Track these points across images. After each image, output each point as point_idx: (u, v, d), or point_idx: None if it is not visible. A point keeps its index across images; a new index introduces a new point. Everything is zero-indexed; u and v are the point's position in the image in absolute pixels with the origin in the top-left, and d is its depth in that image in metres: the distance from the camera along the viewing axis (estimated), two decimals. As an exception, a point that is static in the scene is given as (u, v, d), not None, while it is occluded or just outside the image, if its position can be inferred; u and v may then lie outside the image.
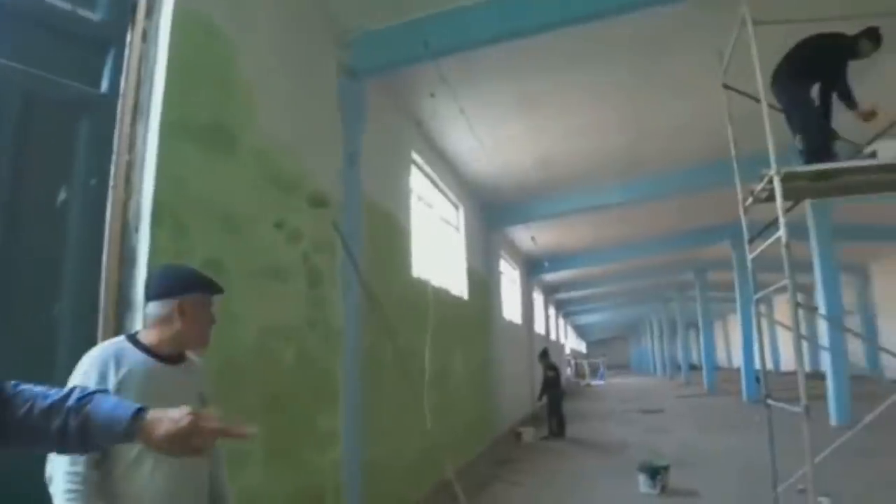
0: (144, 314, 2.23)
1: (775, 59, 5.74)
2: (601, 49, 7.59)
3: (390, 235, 7.64)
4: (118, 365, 2.01)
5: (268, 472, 4.23)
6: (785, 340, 32.67)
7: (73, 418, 1.37)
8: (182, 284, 2.22)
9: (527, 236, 16.35)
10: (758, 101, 5.23)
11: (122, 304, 3.19)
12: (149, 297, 2.22)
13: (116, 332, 2.97)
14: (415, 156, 9.11)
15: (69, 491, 1.86)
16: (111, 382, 1.96)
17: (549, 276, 23.91)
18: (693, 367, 37.14)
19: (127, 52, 3.43)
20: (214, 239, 3.93)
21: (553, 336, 29.75)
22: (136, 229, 3.29)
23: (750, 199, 5.76)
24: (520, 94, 8.68)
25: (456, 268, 11.56)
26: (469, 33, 6.28)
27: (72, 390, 1.44)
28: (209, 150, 3.94)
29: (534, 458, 11.42)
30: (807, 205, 12.11)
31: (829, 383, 12.80)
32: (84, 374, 1.98)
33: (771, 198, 5.12)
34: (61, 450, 1.50)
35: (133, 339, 2.16)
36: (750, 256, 6.11)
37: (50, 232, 2.99)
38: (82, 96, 3.18)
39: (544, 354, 15.45)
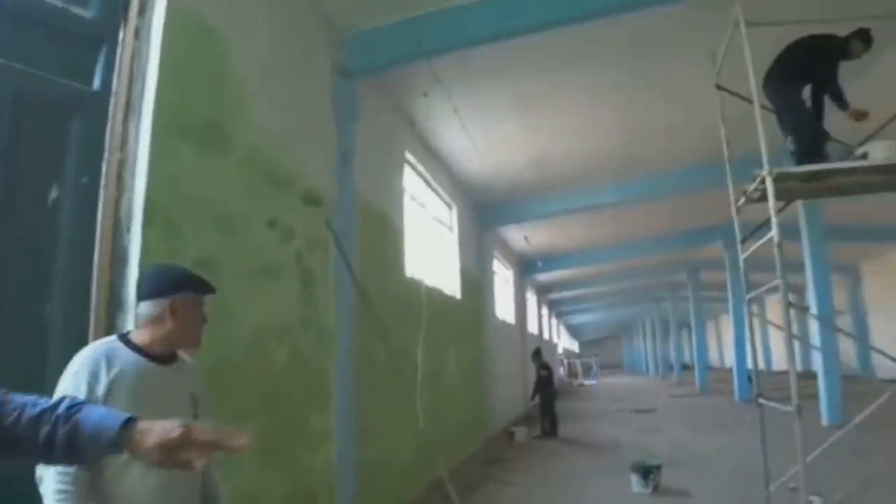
0: (136, 314, 2.22)
1: (768, 61, 5.75)
2: (596, 49, 7.60)
3: (383, 235, 7.63)
4: (109, 365, 1.99)
5: (261, 471, 4.22)
6: (777, 340, 32.71)
7: (62, 427, 1.34)
8: (173, 284, 2.21)
9: (520, 236, 16.35)
10: (750, 102, 5.25)
11: (114, 304, 3.17)
12: (140, 296, 2.21)
13: (108, 332, 2.95)
14: (408, 155, 9.10)
15: (60, 491, 1.84)
16: (102, 382, 1.95)
17: (543, 276, 23.94)
18: (685, 367, 37.31)
19: (119, 49, 3.42)
20: (207, 238, 3.91)
21: (546, 336, 29.79)
22: (128, 228, 3.28)
23: (742, 200, 5.78)
24: (514, 93, 8.68)
25: (449, 267, 11.56)
26: (464, 32, 6.28)
27: (62, 399, 1.42)
28: (202, 149, 3.93)
29: (526, 457, 11.41)
30: (799, 205, 12.14)
31: (821, 383, 12.83)
32: (75, 373, 1.96)
33: (763, 198, 5.15)
34: (48, 460, 1.47)
35: (124, 338, 2.15)
36: (742, 256, 6.13)
37: (41, 231, 2.98)
38: (74, 94, 3.17)
39: (537, 354, 15.45)
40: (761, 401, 5.96)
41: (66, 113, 3.12)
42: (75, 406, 1.40)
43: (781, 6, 5.92)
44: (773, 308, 32.46)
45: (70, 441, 1.35)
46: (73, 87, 3.16)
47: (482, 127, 9.46)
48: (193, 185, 3.81)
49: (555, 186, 13.20)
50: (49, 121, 3.05)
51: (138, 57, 3.49)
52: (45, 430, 1.34)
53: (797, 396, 4.69)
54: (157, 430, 1.34)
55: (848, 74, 5.80)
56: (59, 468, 1.84)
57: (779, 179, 4.96)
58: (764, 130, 5.03)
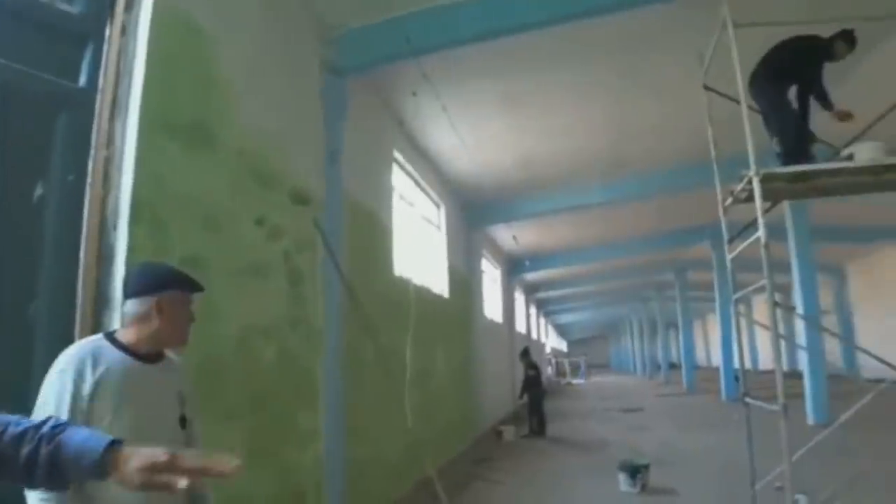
0: (122, 312, 2.19)
1: (755, 61, 5.79)
2: (583, 49, 7.62)
3: (372, 234, 7.62)
4: (95, 363, 1.97)
5: (249, 469, 4.20)
6: (763, 340, 32.97)
7: (45, 447, 1.32)
8: (160, 282, 2.19)
9: (508, 235, 16.37)
10: (738, 102, 5.27)
11: (100, 302, 3.14)
12: (127, 294, 2.19)
13: (94, 331, 2.93)
14: (397, 154, 9.09)
15: (43, 500, 1.82)
16: (88, 381, 1.92)
17: (531, 276, 24.00)
18: (673, 366, 37.43)
19: (106, 46, 3.39)
20: (194, 236, 3.89)
21: (534, 335, 29.86)
22: (115, 226, 3.25)
23: (729, 200, 5.81)
24: (502, 93, 8.69)
25: (437, 267, 11.55)
26: (452, 31, 6.28)
27: (47, 419, 1.40)
28: (189, 147, 3.90)
29: (514, 456, 11.44)
30: (785, 206, 12.22)
31: (807, 382, 12.93)
32: (61, 372, 1.94)
33: (750, 198, 5.17)
34: (29, 482, 1.40)
35: (111, 337, 2.12)
36: (729, 256, 6.16)
37: (26, 228, 2.95)
38: (60, 91, 3.14)
39: (525, 353, 15.47)
40: (748, 400, 5.99)
41: (52, 110, 3.09)
42: (59, 426, 1.37)
43: (768, 7, 5.97)
44: (760, 308, 32.69)
45: (52, 461, 1.31)
46: (60, 83, 3.14)
47: (470, 126, 9.46)
48: (180, 182, 3.79)
49: (543, 186, 13.23)
50: (35, 117, 3.02)
51: (125, 54, 3.46)
52: (26, 450, 1.31)
53: (783, 396, 4.72)
54: (143, 453, 1.31)
55: (833, 75, 5.84)
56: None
57: (765, 180, 4.99)
58: (751, 131, 5.06)
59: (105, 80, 3.35)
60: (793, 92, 5.85)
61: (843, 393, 12.93)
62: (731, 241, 6.14)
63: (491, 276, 18.40)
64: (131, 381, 2.03)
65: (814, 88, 5.69)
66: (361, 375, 6.54)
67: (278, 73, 5.33)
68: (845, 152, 5.26)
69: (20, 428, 1.34)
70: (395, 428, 6.97)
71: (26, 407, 1.89)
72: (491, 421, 14.89)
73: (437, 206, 12.02)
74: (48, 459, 1.32)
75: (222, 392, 4.04)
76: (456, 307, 12.26)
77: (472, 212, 14.11)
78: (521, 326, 24.20)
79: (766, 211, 5.04)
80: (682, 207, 15.82)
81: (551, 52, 7.53)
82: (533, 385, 14.55)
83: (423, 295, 9.44)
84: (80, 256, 3.12)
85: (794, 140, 5.59)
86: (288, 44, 5.60)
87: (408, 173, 9.92)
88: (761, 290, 5.19)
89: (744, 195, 5.43)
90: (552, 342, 49.33)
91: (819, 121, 5.85)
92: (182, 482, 1.27)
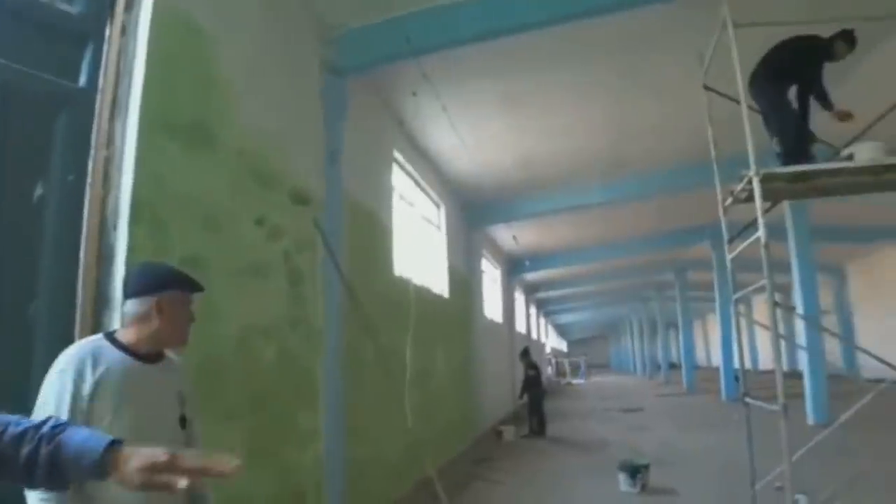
0: (122, 312, 2.19)
1: (755, 61, 5.79)
2: (583, 49, 7.62)
3: (372, 234, 7.62)
4: (95, 363, 1.96)
5: (249, 469, 4.19)
6: (763, 340, 32.96)
7: (45, 447, 1.31)
8: (160, 282, 2.19)
9: (508, 235, 16.37)
10: (738, 102, 5.27)
11: (100, 302, 3.14)
12: (127, 294, 2.19)
13: (94, 331, 2.93)
14: (397, 154, 9.09)
15: (43, 500, 1.82)
16: (88, 381, 1.92)
17: (531, 276, 23.99)
18: (673, 366, 37.42)
19: (106, 46, 3.39)
20: (194, 236, 3.89)
21: (534, 335, 29.85)
22: (115, 226, 3.25)
23: (730, 200, 5.81)
24: (502, 93, 8.69)
25: (437, 266, 11.55)
26: (452, 31, 6.28)
27: (47, 419, 1.39)
28: (189, 146, 3.90)
29: (514, 456, 11.44)
30: (785, 206, 12.22)
31: (807, 382, 12.92)
32: (61, 371, 1.93)
33: (750, 198, 5.17)
34: (29, 482, 1.39)
35: (111, 337, 2.12)
36: (729, 256, 6.15)
37: (26, 228, 2.95)
38: (60, 91, 3.14)
39: (525, 353, 15.47)
40: (748, 400, 5.99)
41: (52, 110, 3.09)
42: (60, 426, 1.37)
43: (768, 7, 5.97)
44: (760, 308, 32.68)
45: (52, 461, 1.31)
46: (60, 83, 3.14)
47: (470, 126, 9.46)
48: (180, 182, 3.78)
49: (543, 186, 13.23)
50: (35, 117, 3.02)
51: (125, 54, 3.46)
52: (27, 450, 1.31)
53: (783, 396, 4.72)
54: (144, 453, 1.30)
55: (833, 75, 5.84)
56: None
57: (765, 180, 4.99)
58: (751, 131, 5.06)
59: (105, 80, 3.35)
60: (793, 92, 5.84)
61: (843, 393, 12.93)
62: (731, 241, 6.14)
63: (491, 276, 18.40)
64: (131, 381, 2.02)
65: (814, 88, 5.68)
66: (361, 375, 6.53)
67: (278, 73, 5.33)
68: (845, 152, 5.26)
69: (20, 428, 1.34)
70: (395, 428, 6.97)
71: (26, 407, 1.89)
72: (491, 421, 14.89)
73: (437, 206, 12.02)
74: (48, 459, 1.31)
75: (222, 392, 4.04)
76: (456, 307, 12.26)
77: (472, 212, 14.10)
78: (521, 326, 24.20)
79: (766, 211, 5.04)
80: (683, 207, 15.82)
81: (551, 51, 7.53)
82: (533, 385, 14.55)
83: (423, 295, 9.43)
84: (80, 256, 3.12)
85: (794, 140, 5.59)
86: (288, 44, 5.60)
87: (408, 173, 9.92)
88: (761, 290, 5.19)
89: (744, 195, 5.43)
90: (552, 342, 49.33)
91: (819, 121, 5.85)
92: (182, 482, 1.27)
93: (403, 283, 8.38)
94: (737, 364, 7.09)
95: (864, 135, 5.96)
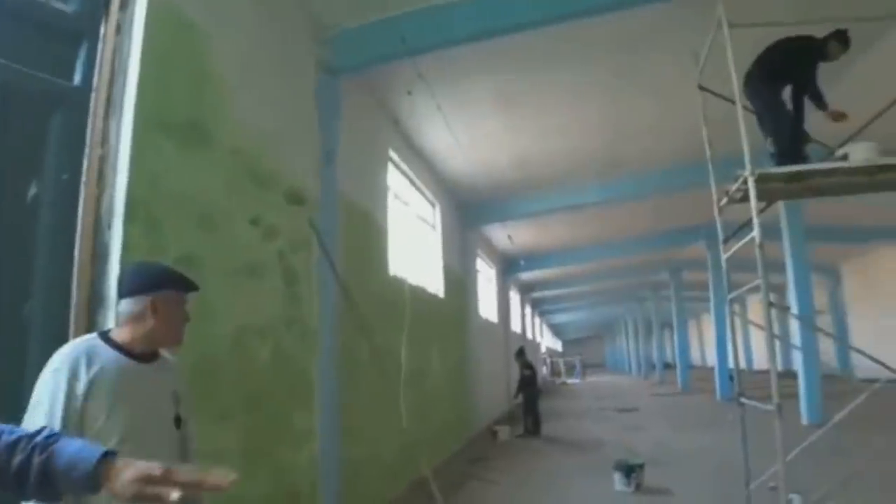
0: (117, 312, 2.18)
1: (751, 61, 5.80)
2: (579, 49, 7.62)
3: (367, 233, 7.61)
4: (90, 363, 1.96)
5: (244, 469, 4.19)
6: (758, 339, 33.08)
7: (38, 456, 1.31)
8: (155, 281, 2.19)
9: (503, 235, 16.38)
10: (733, 102, 5.29)
11: (95, 302, 3.13)
12: (121, 294, 2.18)
13: (88, 330, 2.92)
14: (392, 153, 9.08)
15: None
16: (83, 380, 1.91)
17: (526, 275, 24.00)
18: (668, 366, 37.47)
19: (100, 44, 3.38)
20: (189, 235, 3.88)
21: (529, 335, 29.85)
22: (109, 225, 3.24)
23: (725, 200, 5.82)
24: (497, 92, 8.70)
25: (432, 266, 11.55)
26: (447, 31, 6.28)
27: (41, 429, 1.38)
28: (184, 146, 3.90)
29: (509, 456, 11.43)
30: (780, 206, 12.25)
31: (801, 382, 12.93)
32: (55, 371, 1.93)
33: (745, 198, 5.18)
34: (20, 492, 1.37)
35: (105, 336, 2.11)
36: (724, 256, 6.17)
37: (20, 227, 2.94)
38: (55, 89, 3.13)
39: (520, 353, 15.46)
40: (742, 400, 6.01)
41: (46, 108, 3.08)
42: (53, 436, 1.36)
43: (763, 7, 5.98)
44: (755, 308, 32.60)
45: (44, 471, 1.30)
46: (54, 82, 3.13)
47: (465, 125, 9.46)
48: (175, 181, 3.78)
49: (538, 185, 13.23)
50: (29, 116, 3.01)
51: (119, 52, 3.45)
52: (18, 459, 1.30)
53: (778, 395, 4.73)
54: (137, 465, 1.30)
55: (827, 76, 5.85)
56: None
57: (760, 180, 5.00)
58: (746, 131, 5.08)
59: (100, 79, 3.34)
60: (787, 92, 5.86)
61: (838, 393, 12.97)
62: (726, 241, 6.16)
63: (486, 276, 18.40)
64: (126, 381, 2.02)
65: (808, 89, 5.70)
66: (356, 375, 6.53)
67: (273, 72, 5.32)
68: (840, 152, 5.28)
69: (13, 437, 1.33)
70: (390, 428, 6.97)
71: (20, 407, 1.88)
72: (486, 421, 14.89)
73: (433, 205, 12.02)
74: (40, 469, 1.31)
75: (217, 392, 4.03)
76: (451, 307, 12.26)
77: (468, 211, 14.11)
78: (516, 326, 24.22)
79: (761, 211, 5.06)
80: (678, 207, 15.84)
81: (546, 51, 7.54)
82: (528, 385, 14.55)
83: (419, 294, 9.43)
84: (75, 255, 3.11)
85: (789, 140, 5.60)
86: (283, 43, 5.60)
87: (403, 173, 9.91)
88: (756, 289, 5.20)
89: (739, 195, 5.45)
90: (547, 342, 49.39)
91: (813, 121, 5.86)
92: (174, 494, 1.26)
93: (398, 283, 8.38)
94: (731, 364, 7.10)
95: (858, 135, 5.98)
